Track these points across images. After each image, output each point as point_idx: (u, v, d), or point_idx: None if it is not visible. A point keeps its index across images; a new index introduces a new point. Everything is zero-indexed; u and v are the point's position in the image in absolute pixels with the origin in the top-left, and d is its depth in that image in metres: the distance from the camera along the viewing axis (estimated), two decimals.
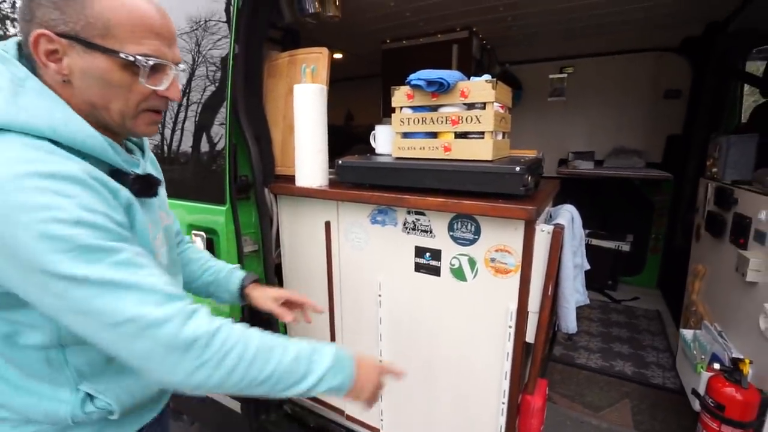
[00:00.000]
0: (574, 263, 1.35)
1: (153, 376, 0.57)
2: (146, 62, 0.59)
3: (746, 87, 2.48)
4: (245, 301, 0.99)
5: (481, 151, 1.10)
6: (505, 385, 1.21)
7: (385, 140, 1.38)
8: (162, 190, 0.80)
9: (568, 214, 1.31)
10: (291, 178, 1.51)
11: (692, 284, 1.79)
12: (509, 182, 1.03)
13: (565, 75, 3.09)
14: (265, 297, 0.98)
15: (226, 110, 1.39)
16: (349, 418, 1.63)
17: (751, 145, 1.57)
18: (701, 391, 1.24)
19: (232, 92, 1.45)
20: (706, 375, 1.25)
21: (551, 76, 3.12)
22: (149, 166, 0.77)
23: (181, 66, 0.67)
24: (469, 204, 1.06)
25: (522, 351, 1.19)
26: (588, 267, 1.44)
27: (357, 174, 1.33)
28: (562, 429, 1.58)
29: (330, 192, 1.37)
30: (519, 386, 1.23)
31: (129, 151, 0.73)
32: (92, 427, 0.68)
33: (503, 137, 1.27)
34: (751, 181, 1.46)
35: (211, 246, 1.56)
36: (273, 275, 1.64)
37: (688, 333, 1.48)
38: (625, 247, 2.83)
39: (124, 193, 0.62)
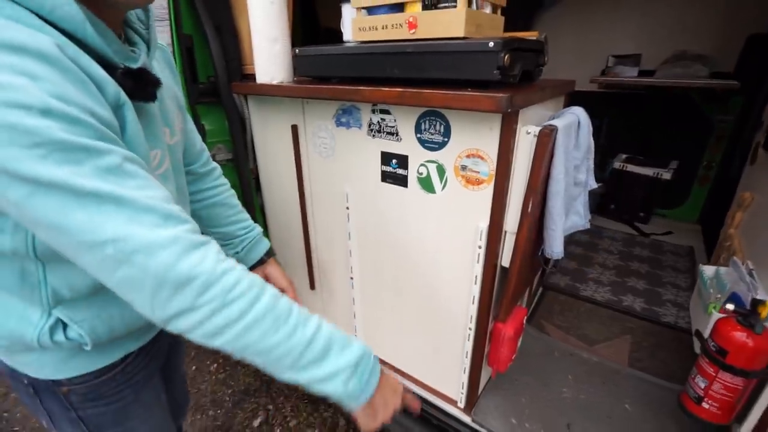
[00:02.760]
0: (576, 180, 1.13)
1: (136, 307, 0.47)
2: None
3: None
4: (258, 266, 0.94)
5: (452, 24, 0.84)
6: (473, 310, 1.09)
7: (350, 22, 1.13)
8: (168, 99, 0.65)
9: (572, 117, 1.05)
10: None
11: (733, 215, 1.50)
12: (480, 63, 0.79)
13: None
14: (283, 276, 0.94)
15: None
16: None
17: None
18: (706, 332, 1.05)
19: None
20: (717, 316, 1.05)
21: None
22: (156, 66, 0.60)
23: None
24: (429, 93, 0.84)
25: (494, 275, 1.05)
26: (594, 186, 1.20)
27: (315, 65, 1.12)
28: (545, 359, 1.49)
29: (286, 88, 1.18)
30: (489, 312, 1.11)
31: (131, 43, 0.57)
32: (64, 353, 0.61)
33: (495, 11, 0.99)
34: None
35: None
36: (250, 187, 1.55)
37: (708, 269, 1.26)
38: (666, 176, 2.46)
39: (114, 87, 0.47)
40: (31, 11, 0.40)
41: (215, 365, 2.11)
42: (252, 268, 0.93)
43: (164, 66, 0.69)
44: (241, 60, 1.42)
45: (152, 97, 0.55)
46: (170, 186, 0.64)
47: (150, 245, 0.42)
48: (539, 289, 1.56)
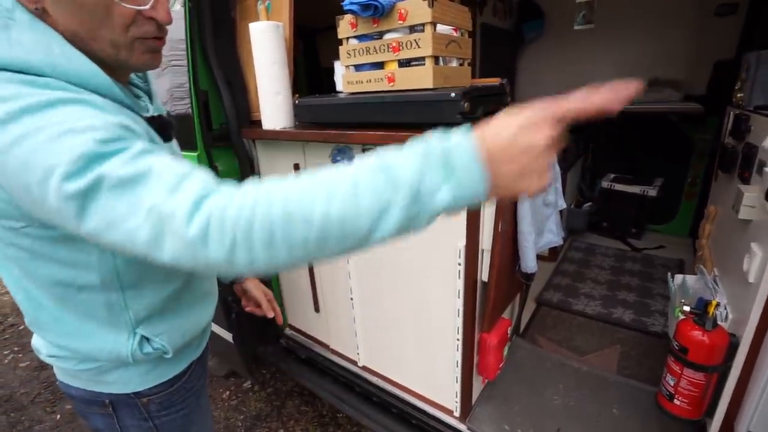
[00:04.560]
0: (545, 201, 1.27)
1: (201, 272, 0.51)
2: None
3: None
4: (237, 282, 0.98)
5: (422, 78, 1.02)
6: (458, 322, 1.21)
7: (341, 76, 1.33)
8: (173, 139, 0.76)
9: None
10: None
11: (703, 227, 1.61)
12: (446, 110, 0.96)
13: None
14: (258, 288, 0.99)
15: (187, 54, 1.40)
16: (333, 351, 1.74)
17: None
18: (671, 334, 1.16)
19: (201, 36, 1.45)
20: (681, 319, 1.16)
21: (578, 0, 2.74)
22: (159, 112, 0.71)
23: None
24: (404, 136, 0.99)
25: (474, 289, 1.18)
26: (563, 206, 1.34)
27: (313, 113, 1.30)
28: (537, 370, 1.57)
29: (289, 133, 1.36)
30: (473, 324, 1.23)
31: (136, 97, 0.68)
32: (149, 365, 0.72)
33: (463, 64, 1.17)
34: None
35: None
36: None
37: (677, 278, 1.36)
38: (652, 193, 2.58)
39: (146, 126, 0.60)
40: (75, 84, 0.52)
41: (227, 393, 2.21)
42: (232, 284, 1.00)
43: (157, 108, 0.80)
44: (249, 108, 1.63)
45: (170, 138, 0.71)
46: None
47: (169, 213, 0.41)
48: (525, 303, 1.66)
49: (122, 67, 0.61)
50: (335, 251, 0.42)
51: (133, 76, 0.71)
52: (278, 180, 0.44)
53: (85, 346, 0.66)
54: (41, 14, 0.51)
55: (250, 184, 0.44)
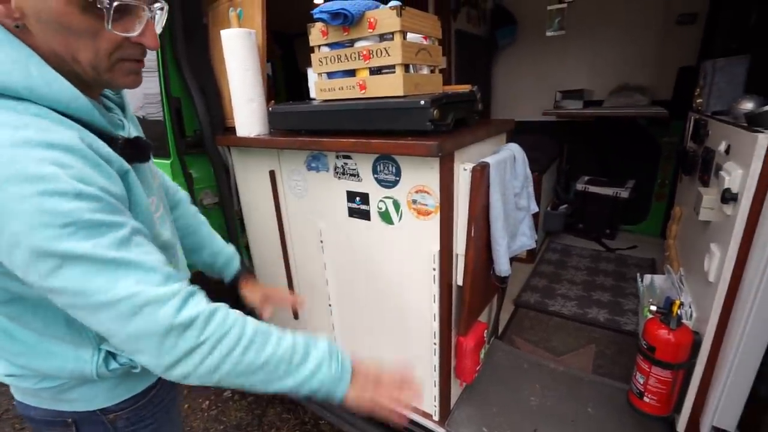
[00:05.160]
0: (518, 205, 1.30)
1: (143, 358, 0.53)
2: (109, 2, 0.50)
3: None
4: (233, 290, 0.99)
5: (393, 86, 1.03)
6: (435, 326, 1.21)
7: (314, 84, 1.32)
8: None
9: (508, 152, 1.23)
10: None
11: (670, 228, 1.67)
12: (416, 117, 0.97)
13: (565, 5, 2.78)
14: (254, 293, 0.98)
15: (158, 61, 1.37)
16: None
17: (740, 69, 1.38)
18: (640, 333, 1.19)
19: (172, 42, 1.43)
20: (648, 318, 1.20)
21: (549, 8, 2.82)
22: (132, 125, 0.69)
23: (158, 5, 0.57)
24: (376, 143, 1.01)
25: (450, 293, 1.19)
26: (536, 209, 1.37)
27: (287, 120, 1.29)
28: (515, 371, 1.60)
29: (263, 140, 1.35)
30: (450, 327, 1.24)
31: (108, 109, 0.66)
32: (116, 380, 0.70)
33: (434, 71, 1.18)
34: (728, 112, 1.30)
35: None
36: (235, 227, 1.69)
37: (646, 278, 1.41)
38: (624, 194, 2.66)
39: (118, 161, 0.57)
40: (50, 108, 0.50)
41: (207, 402, 2.16)
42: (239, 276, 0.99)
43: (130, 120, 0.75)
44: (223, 115, 1.61)
45: (148, 159, 0.69)
46: (167, 224, 0.76)
47: (157, 299, 0.51)
48: (502, 305, 1.68)
49: (101, 86, 0.60)
50: (257, 381, 0.59)
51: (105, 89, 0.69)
52: (247, 318, 0.60)
53: (45, 365, 0.63)
54: (20, 31, 0.50)
55: (229, 310, 0.59)
